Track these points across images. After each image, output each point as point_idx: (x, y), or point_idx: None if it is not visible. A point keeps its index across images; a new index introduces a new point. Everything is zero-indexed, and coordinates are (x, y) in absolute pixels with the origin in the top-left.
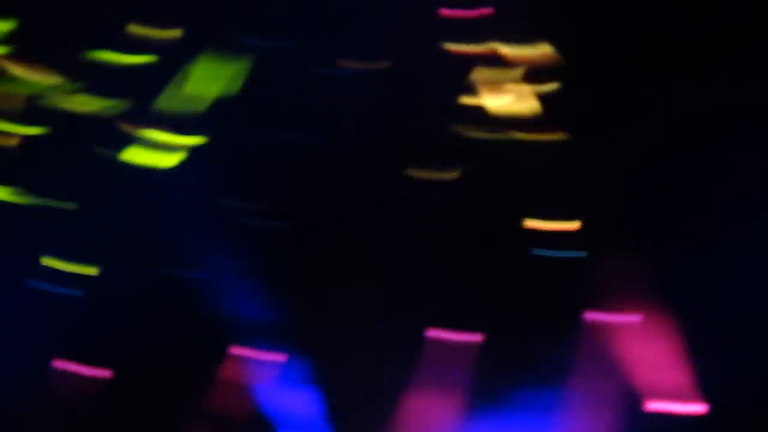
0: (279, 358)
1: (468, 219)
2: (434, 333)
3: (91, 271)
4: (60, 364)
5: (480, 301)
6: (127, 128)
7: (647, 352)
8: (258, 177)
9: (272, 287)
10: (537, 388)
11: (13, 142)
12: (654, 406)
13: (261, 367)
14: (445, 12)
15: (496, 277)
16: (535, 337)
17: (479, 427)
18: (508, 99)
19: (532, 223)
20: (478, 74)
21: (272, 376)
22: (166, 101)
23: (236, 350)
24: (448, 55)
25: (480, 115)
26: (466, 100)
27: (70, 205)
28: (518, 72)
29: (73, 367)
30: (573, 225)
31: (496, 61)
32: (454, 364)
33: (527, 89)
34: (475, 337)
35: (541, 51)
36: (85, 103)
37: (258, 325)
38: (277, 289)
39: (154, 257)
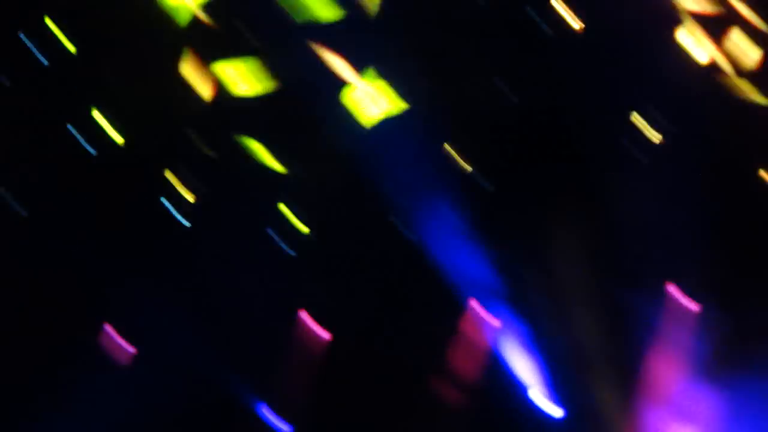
0: (505, 320)
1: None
2: (672, 297)
3: (310, 229)
4: (302, 318)
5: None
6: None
7: None
8: (482, 138)
9: (495, 248)
10: None
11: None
12: None
13: (487, 328)
14: None
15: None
16: None
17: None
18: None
19: None
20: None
21: (499, 337)
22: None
23: (468, 307)
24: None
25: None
26: None
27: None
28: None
29: (309, 322)
30: None
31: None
32: (692, 329)
33: None
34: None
35: None
36: None
37: (483, 285)
38: (499, 250)
39: (375, 213)
